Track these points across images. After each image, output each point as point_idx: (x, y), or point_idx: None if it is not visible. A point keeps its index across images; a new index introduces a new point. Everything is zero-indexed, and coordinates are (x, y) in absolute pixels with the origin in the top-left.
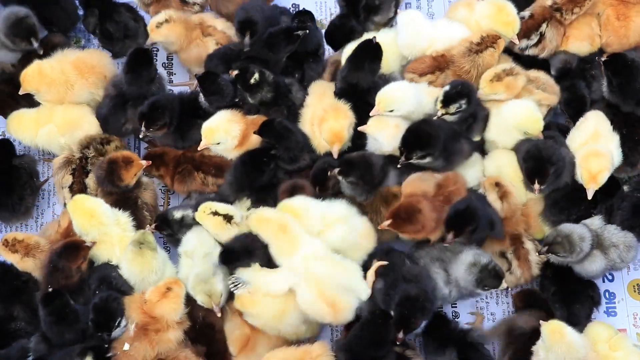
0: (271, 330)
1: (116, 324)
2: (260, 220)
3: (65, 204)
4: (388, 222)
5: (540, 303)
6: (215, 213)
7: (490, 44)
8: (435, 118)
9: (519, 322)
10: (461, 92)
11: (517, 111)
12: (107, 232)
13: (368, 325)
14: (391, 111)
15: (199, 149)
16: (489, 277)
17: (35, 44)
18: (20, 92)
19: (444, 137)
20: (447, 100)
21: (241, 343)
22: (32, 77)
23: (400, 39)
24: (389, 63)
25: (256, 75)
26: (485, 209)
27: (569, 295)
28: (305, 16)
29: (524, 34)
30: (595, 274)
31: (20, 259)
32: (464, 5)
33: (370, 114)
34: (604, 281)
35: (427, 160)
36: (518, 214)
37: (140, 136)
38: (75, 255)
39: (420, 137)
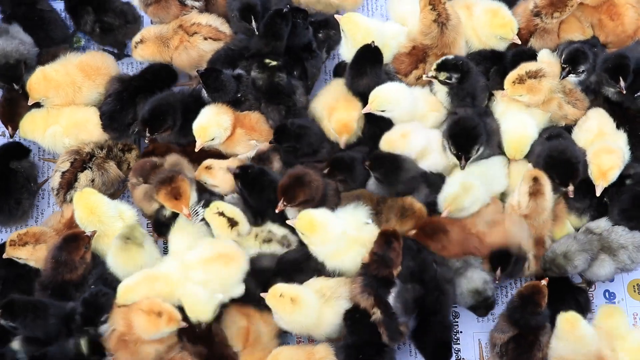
0: (305, 334)
1: (103, 319)
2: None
3: (56, 187)
4: (413, 232)
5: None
6: (222, 214)
7: (440, 4)
8: (424, 77)
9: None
10: (458, 66)
11: (507, 133)
12: (109, 227)
13: (355, 331)
14: (382, 111)
15: (196, 149)
16: (483, 308)
17: (16, 87)
18: (30, 102)
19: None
20: (440, 67)
21: (243, 337)
22: (38, 84)
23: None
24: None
25: (275, 63)
26: None
27: (556, 299)
28: (298, 12)
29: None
30: (606, 277)
31: (33, 249)
32: (462, 8)
33: (362, 111)
34: (603, 281)
35: (482, 149)
36: (543, 216)
37: (146, 141)
38: (76, 246)
39: (468, 134)
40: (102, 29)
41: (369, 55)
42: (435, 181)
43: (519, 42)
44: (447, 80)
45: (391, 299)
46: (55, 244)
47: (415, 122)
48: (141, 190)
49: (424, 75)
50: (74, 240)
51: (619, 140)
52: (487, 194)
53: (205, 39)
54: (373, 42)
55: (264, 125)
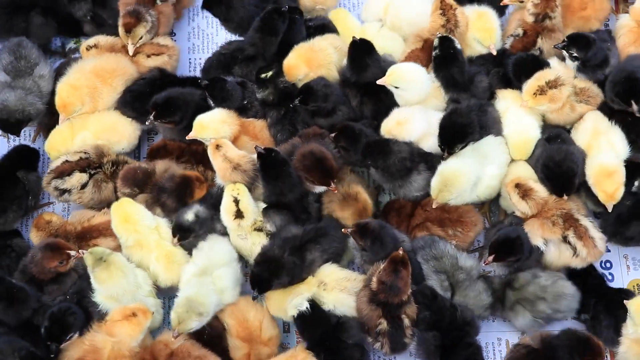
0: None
1: (68, 338)
2: None
3: (51, 169)
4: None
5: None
6: (236, 202)
7: (451, 10)
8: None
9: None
10: (447, 48)
11: (511, 136)
12: (144, 238)
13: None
14: (396, 87)
15: (187, 137)
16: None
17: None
18: (64, 118)
19: (477, 118)
20: (441, 39)
21: None
22: (70, 95)
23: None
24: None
25: (270, 73)
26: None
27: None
28: (294, 10)
29: (523, 51)
30: (521, 327)
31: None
32: None
33: (377, 82)
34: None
35: (469, 145)
36: (551, 200)
37: (147, 123)
38: (51, 257)
39: (456, 131)
40: (94, 20)
41: (362, 47)
42: (435, 162)
43: (495, 53)
44: (433, 56)
45: (412, 347)
46: (41, 242)
47: (415, 106)
48: (141, 201)
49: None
50: (53, 249)
51: (614, 137)
52: (485, 177)
53: (148, 56)
54: (354, 36)
55: (267, 133)
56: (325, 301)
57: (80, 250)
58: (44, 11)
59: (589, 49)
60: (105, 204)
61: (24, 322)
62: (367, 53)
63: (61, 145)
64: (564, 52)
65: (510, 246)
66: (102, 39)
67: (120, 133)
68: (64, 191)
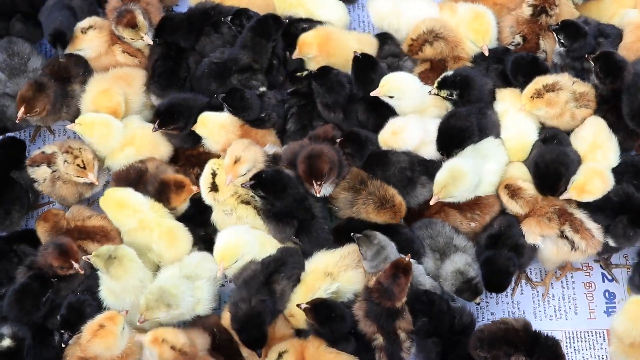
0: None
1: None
2: None
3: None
4: None
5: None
6: (214, 175)
7: None
8: (430, 93)
9: None
10: (457, 83)
11: (509, 140)
12: (143, 218)
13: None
14: (391, 97)
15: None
16: (467, 291)
17: None
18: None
19: (476, 121)
20: (441, 84)
21: None
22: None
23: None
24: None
25: (305, 72)
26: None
27: None
28: (244, 14)
29: None
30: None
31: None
32: (447, 10)
33: (371, 94)
34: (604, 281)
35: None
36: (540, 199)
37: (152, 130)
38: (56, 257)
39: (454, 135)
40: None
41: (366, 62)
42: (436, 170)
43: (487, 54)
44: (449, 97)
45: (412, 354)
46: (55, 240)
47: (410, 115)
48: None
49: (429, 91)
50: (62, 252)
51: (611, 152)
52: (485, 174)
53: (123, 52)
54: (355, 51)
55: (269, 139)
56: (340, 289)
57: (84, 256)
58: (25, 17)
59: (575, 41)
60: (71, 200)
61: (36, 325)
62: (371, 68)
63: (104, 138)
64: (554, 35)
65: (501, 278)
66: (96, 20)
67: (160, 152)
68: (33, 180)
